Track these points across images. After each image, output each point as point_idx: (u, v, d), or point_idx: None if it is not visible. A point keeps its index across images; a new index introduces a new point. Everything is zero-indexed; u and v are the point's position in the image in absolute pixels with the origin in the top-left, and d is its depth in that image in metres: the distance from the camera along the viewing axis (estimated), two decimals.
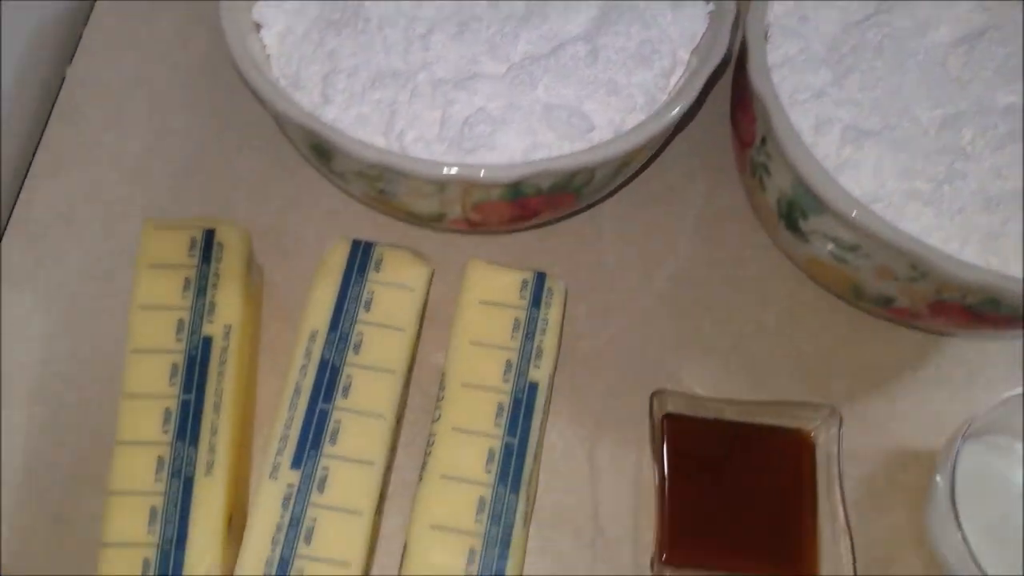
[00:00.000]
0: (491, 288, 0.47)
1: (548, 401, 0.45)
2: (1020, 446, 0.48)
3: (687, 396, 0.48)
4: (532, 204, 0.45)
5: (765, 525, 0.47)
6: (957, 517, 0.42)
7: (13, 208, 0.53)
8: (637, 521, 0.48)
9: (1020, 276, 0.41)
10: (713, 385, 0.51)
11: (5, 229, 0.53)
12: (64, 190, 0.54)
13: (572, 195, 0.46)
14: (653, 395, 0.48)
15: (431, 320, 0.50)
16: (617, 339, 0.52)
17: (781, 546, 0.47)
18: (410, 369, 0.46)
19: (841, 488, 0.46)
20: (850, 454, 0.49)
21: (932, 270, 0.40)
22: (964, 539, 0.42)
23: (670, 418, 0.48)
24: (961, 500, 0.43)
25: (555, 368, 0.46)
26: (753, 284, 0.54)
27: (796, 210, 0.44)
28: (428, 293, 0.48)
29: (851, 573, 0.45)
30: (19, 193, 0.53)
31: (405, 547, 0.42)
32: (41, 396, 0.49)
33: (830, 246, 0.44)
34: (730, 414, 0.49)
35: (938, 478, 0.45)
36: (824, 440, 0.48)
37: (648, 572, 0.47)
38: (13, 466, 0.47)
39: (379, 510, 0.44)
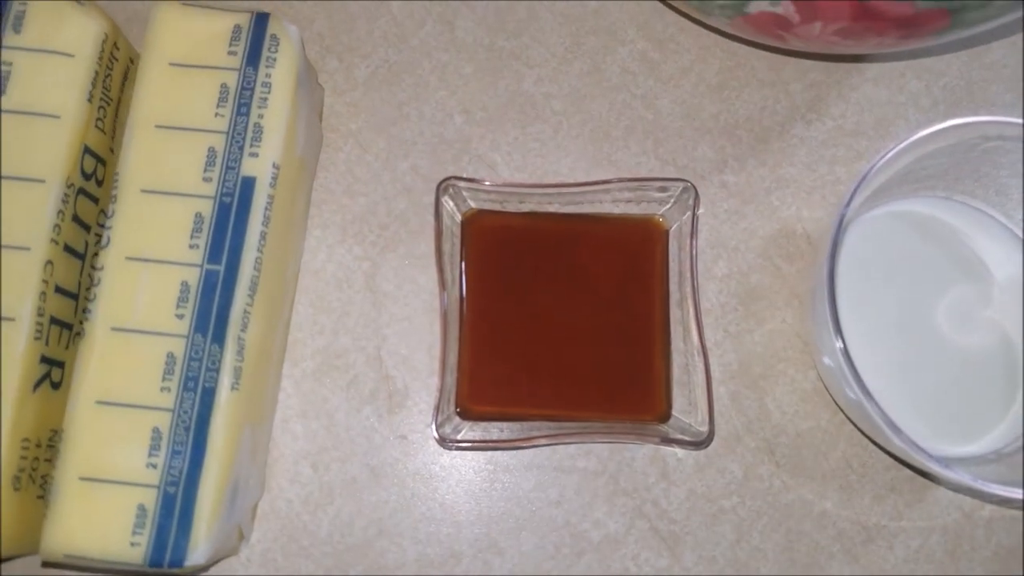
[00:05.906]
0: (187, 43, 0.32)
1: (271, 206, 0.31)
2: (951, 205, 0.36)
3: (495, 186, 0.35)
4: None
5: (602, 352, 0.35)
6: (836, 316, 0.29)
7: None
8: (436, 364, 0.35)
9: None
10: (538, 169, 0.37)
11: None
12: None
13: None
14: (440, 185, 0.34)
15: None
16: (402, 110, 0.38)
17: (620, 380, 0.35)
18: (72, 184, 0.31)
19: (694, 292, 0.34)
20: (719, 244, 0.37)
21: None
22: (844, 350, 0.29)
23: (473, 216, 0.35)
24: (853, 291, 0.33)
25: (286, 154, 0.32)
26: (590, 22, 0.39)
27: None
28: (110, 64, 0.33)
29: (707, 418, 0.33)
30: None
31: (59, 437, 0.29)
32: None
33: None
34: (557, 205, 0.36)
35: (823, 264, 0.31)
36: (677, 228, 0.35)
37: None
38: None
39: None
